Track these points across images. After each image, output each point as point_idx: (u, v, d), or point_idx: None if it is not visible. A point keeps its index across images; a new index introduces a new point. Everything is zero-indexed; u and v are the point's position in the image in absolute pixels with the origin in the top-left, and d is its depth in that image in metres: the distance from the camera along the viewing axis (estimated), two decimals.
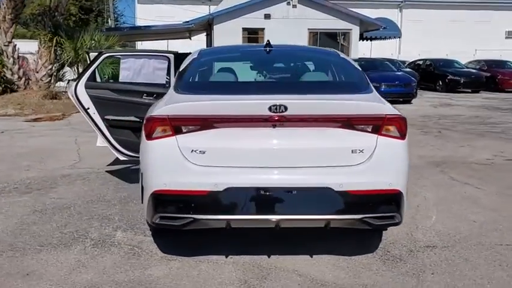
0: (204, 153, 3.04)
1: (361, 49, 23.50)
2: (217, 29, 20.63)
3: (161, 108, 3.14)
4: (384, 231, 4.00)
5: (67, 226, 4.25)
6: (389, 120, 3.07)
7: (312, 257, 3.58)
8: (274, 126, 3.00)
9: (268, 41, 4.18)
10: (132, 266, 3.46)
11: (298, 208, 3.04)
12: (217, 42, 20.52)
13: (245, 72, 4.15)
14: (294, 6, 21.03)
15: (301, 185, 2.99)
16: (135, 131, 5.15)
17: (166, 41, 28.04)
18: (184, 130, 3.08)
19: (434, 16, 33.86)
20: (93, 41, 15.14)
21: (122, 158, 5.21)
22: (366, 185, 3.00)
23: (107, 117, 5.04)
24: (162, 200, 3.11)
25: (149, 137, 3.16)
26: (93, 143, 8.36)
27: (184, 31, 23.87)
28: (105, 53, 4.96)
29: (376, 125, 3.06)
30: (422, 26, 33.07)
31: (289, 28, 20.33)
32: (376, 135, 3.07)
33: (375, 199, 3.05)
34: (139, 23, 29.39)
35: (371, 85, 3.52)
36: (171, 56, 5.01)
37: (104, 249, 3.75)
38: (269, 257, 3.58)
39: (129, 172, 6.24)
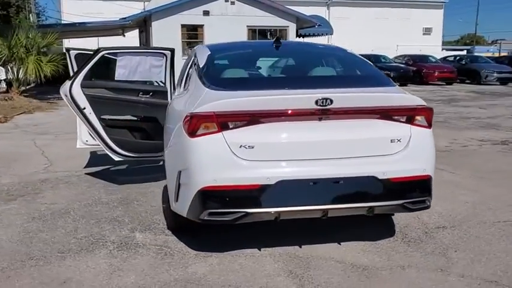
0: (252, 148, 3.08)
1: None
2: (155, 25, 20.22)
3: (206, 105, 3.13)
4: (392, 217, 4.26)
5: (78, 231, 4.08)
6: (420, 111, 3.30)
7: (340, 244, 3.74)
8: (320, 119, 3.11)
9: (277, 37, 4.27)
10: (170, 265, 3.41)
11: (345, 197, 3.18)
12: (156, 39, 20.13)
13: (269, 68, 4.20)
14: (232, 3, 21.11)
15: (348, 174, 3.13)
16: (132, 131, 5.04)
17: (96, 38, 27.06)
18: (231, 126, 3.10)
19: (359, 13, 35.49)
20: (28, 39, 14.33)
21: (116, 158, 5.05)
22: (405, 172, 3.20)
23: (103, 116, 4.86)
24: (212, 196, 3.11)
25: (193, 134, 3.14)
26: (56, 145, 8.07)
27: (118, 28, 23.13)
28: (102, 50, 4.77)
29: (410, 115, 3.27)
30: (350, 23, 34.48)
31: (228, 25, 20.39)
32: (410, 125, 3.28)
33: (413, 185, 3.26)
34: (66, 18, 28.03)
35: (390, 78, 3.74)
36: (168, 53, 4.92)
37: (132, 251, 3.65)
38: (300, 247, 3.68)
39: (111, 173, 6.06)
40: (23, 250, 3.69)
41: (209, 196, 3.10)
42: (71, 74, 5.61)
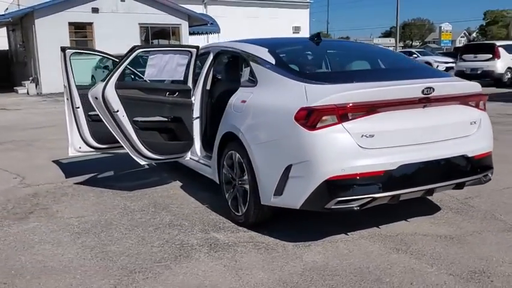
0: (372, 136, 3.29)
1: (192, 43, 23.97)
2: (39, 23, 18.55)
3: (326, 98, 3.24)
4: None
5: (147, 239, 3.85)
6: (483, 96, 3.84)
7: (407, 221, 4.12)
8: (424, 106, 3.45)
9: (318, 33, 4.48)
10: (284, 258, 3.44)
11: (446, 175, 3.56)
12: (40, 38, 18.52)
13: (337, 63, 4.36)
14: (123, 0, 20.28)
15: (448, 155, 3.52)
16: (160, 132, 4.82)
17: None
18: (350, 117, 3.27)
19: (234, 12, 36.41)
20: None
21: (143, 162, 4.78)
22: (482, 150, 3.71)
23: (136, 119, 4.56)
24: (340, 185, 3.24)
25: (313, 127, 3.24)
26: (10, 157, 7.15)
27: None
28: (138, 48, 4.44)
29: (478, 100, 3.79)
30: (226, 21, 35.19)
31: (119, 23, 19.64)
32: (477, 109, 3.80)
33: (486, 160, 3.78)
34: None
35: None
36: (194, 51, 4.79)
37: (231, 251, 3.58)
38: (379, 227, 3.99)
39: (105, 181, 5.69)
40: (112, 265, 3.40)
41: (337, 185, 3.24)
42: (64, 75, 5.15)
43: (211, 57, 4.99)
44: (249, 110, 3.85)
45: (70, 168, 6.32)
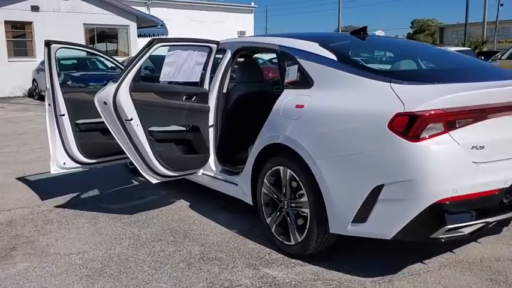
0: (483, 148, 2.71)
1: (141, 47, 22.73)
2: None
3: (432, 102, 2.62)
4: None
5: (191, 282, 3.05)
6: None
7: (478, 242, 3.60)
8: None
9: (365, 27, 3.88)
10: None
11: None
12: None
13: (408, 60, 3.71)
14: None
15: None
16: (177, 144, 4.01)
17: None
18: (457, 125, 2.67)
19: (179, 15, 35.34)
20: None
21: (155, 181, 3.92)
22: None
23: (151, 128, 3.70)
24: (451, 210, 2.62)
25: (417, 137, 2.60)
26: None
27: None
28: (157, 42, 3.57)
29: None
30: (172, 24, 34.05)
31: (62, 23, 18.13)
32: None
33: None
34: None
35: None
36: (214, 47, 4.01)
37: None
38: (453, 252, 3.42)
39: (92, 202, 4.77)
40: None
41: (447, 209, 2.62)
42: (47, 75, 4.21)
43: (228, 55, 4.25)
44: (310, 117, 3.14)
45: (42, 187, 5.30)
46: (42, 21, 17.95)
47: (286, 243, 3.37)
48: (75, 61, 15.40)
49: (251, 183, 3.70)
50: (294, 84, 3.44)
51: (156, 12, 34.50)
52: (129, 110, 3.50)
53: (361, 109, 2.87)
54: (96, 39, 20.01)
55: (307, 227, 3.17)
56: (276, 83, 5.61)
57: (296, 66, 3.44)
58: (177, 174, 3.99)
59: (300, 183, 3.19)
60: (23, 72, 17.16)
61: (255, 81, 4.49)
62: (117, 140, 3.69)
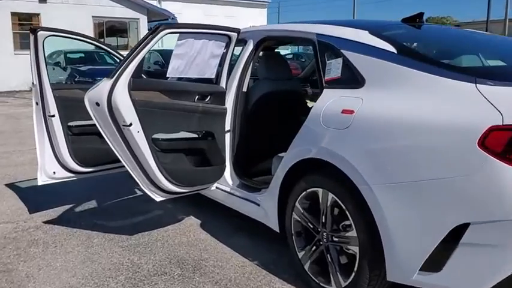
0: None
1: None
2: None
3: None
4: None
5: None
6: None
7: None
8: None
9: (421, 13, 3.13)
10: None
11: None
12: None
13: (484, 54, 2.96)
14: None
15: None
16: (187, 154, 3.28)
17: None
18: None
19: (191, 10, 34.68)
20: None
21: (159, 199, 3.20)
22: None
23: (156, 136, 2.98)
24: None
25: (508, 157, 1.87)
26: None
27: None
28: (164, 28, 2.83)
29: None
30: (183, 18, 33.44)
31: (70, 15, 17.50)
32: None
33: None
34: None
35: None
36: (234, 35, 3.28)
37: None
38: None
39: (87, 218, 4.06)
40: None
41: None
42: (34, 68, 3.52)
43: (250, 46, 3.53)
44: (363, 126, 2.39)
45: (32, 196, 4.63)
46: (49, 13, 17.34)
47: (325, 286, 2.64)
48: (82, 55, 14.80)
49: (278, 206, 2.98)
50: (337, 83, 2.69)
51: (167, 5, 33.89)
52: (128, 113, 2.78)
53: (437, 119, 2.12)
54: (105, 33, 19.37)
55: (355, 269, 2.44)
56: (303, 80, 4.89)
57: (340, 60, 2.70)
58: (185, 191, 3.27)
59: (347, 212, 2.46)
60: (29, 66, 16.57)
61: (281, 78, 3.75)
62: (113, 149, 2.97)
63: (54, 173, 3.79)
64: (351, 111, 2.46)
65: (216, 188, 3.57)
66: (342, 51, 2.71)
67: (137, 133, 2.85)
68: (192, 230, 3.75)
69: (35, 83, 3.59)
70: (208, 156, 3.36)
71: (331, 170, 2.51)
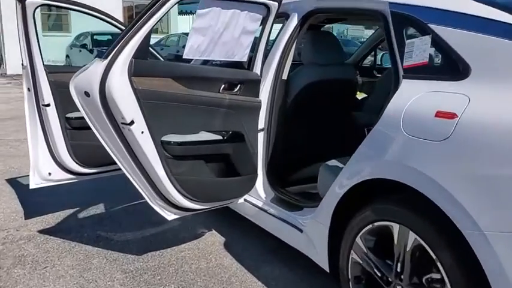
0: None
1: (181, 24, 21.50)
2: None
3: None
4: None
5: None
6: None
7: None
8: None
9: None
10: None
11: None
12: (6, 2, 15.53)
13: None
14: None
15: None
16: (207, 161, 2.51)
17: None
18: None
19: None
20: None
21: (172, 217, 2.46)
22: None
23: (165, 139, 2.23)
24: None
25: None
26: None
27: None
28: None
29: None
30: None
31: (99, 1, 16.89)
32: None
33: None
34: None
35: None
36: (274, 5, 2.48)
37: None
38: None
39: (87, 226, 3.40)
40: None
41: None
42: (23, 46, 2.82)
43: (293, 22, 2.73)
44: (471, 139, 1.57)
45: (32, 196, 3.96)
46: None
47: None
48: (110, 37, 14.28)
49: (329, 237, 2.19)
50: (424, 71, 1.87)
51: None
52: (129, 107, 2.03)
53: None
54: (135, 17, 18.81)
55: None
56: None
57: (428, 39, 1.87)
58: (204, 207, 2.52)
59: (438, 262, 1.66)
60: (57, 48, 16.17)
61: (332, 64, 2.94)
62: (111, 154, 2.24)
63: (49, 174, 3.13)
64: (452, 115, 1.63)
65: (245, 200, 2.83)
66: (430, 25, 1.88)
67: (141, 134, 2.10)
68: (214, 251, 3.02)
69: (25, 64, 2.89)
70: (235, 164, 2.58)
71: (417, 199, 1.71)
